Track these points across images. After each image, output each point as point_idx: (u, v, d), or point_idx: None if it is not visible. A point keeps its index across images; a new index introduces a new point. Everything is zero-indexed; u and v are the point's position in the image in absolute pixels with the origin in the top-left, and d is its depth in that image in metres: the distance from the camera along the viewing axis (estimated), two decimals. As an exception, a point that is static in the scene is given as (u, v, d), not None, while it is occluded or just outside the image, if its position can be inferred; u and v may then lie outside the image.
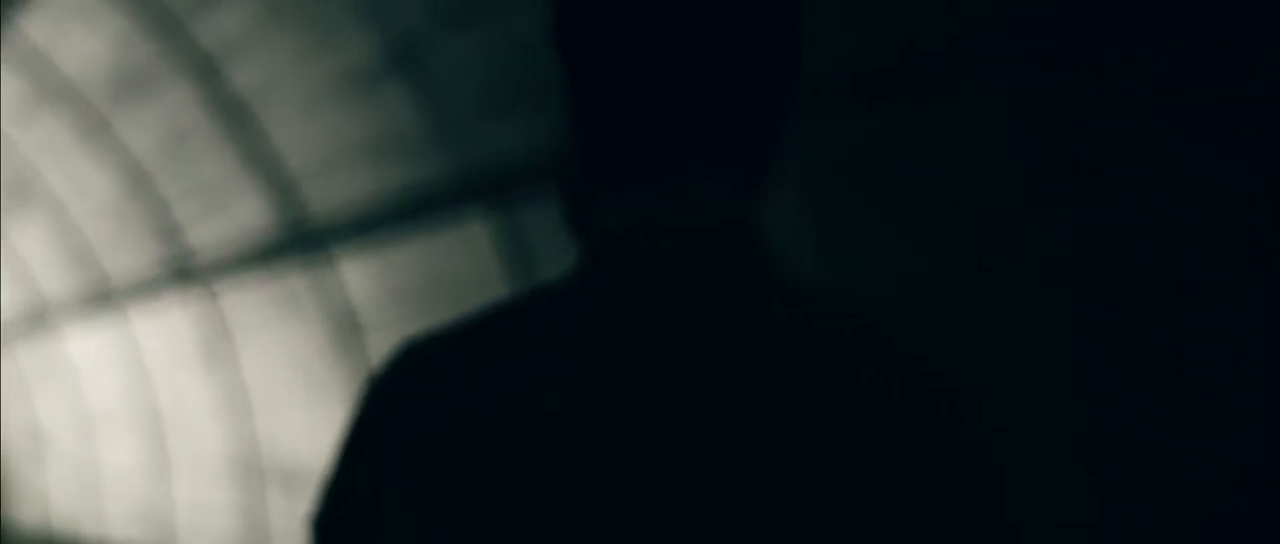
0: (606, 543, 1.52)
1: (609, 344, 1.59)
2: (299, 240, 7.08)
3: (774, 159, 1.66)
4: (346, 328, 6.79)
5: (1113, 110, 3.51)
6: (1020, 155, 3.69)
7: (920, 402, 1.59)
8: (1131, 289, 3.63)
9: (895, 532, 1.54)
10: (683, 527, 1.52)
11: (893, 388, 1.58)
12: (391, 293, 6.48)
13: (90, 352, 10.31)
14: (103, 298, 9.74)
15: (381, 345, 6.62)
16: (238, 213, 7.59)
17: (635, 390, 1.55)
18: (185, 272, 8.43)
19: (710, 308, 1.61)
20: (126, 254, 9.09)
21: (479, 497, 1.55)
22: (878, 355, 1.60)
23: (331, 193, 6.70)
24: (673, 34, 1.61)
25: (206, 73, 7.01)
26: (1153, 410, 3.81)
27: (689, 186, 1.63)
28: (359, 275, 6.66)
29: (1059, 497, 3.86)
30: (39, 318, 11.03)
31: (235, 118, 7.11)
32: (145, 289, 9.06)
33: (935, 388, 1.60)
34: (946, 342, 4.00)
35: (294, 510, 7.56)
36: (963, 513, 1.57)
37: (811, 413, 1.56)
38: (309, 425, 7.33)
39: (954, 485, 1.57)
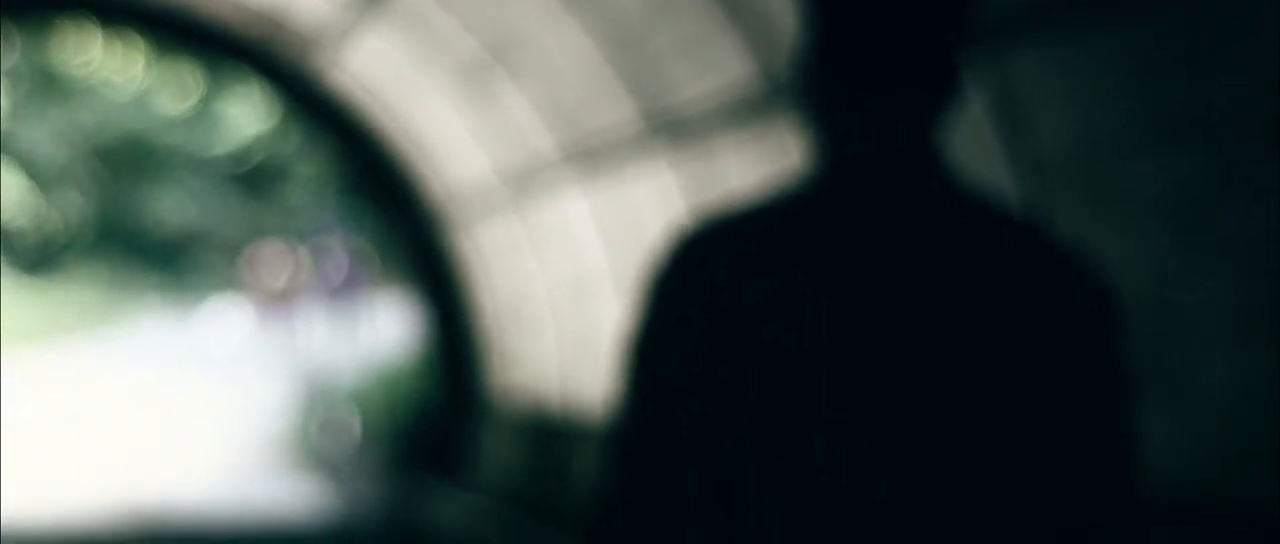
0: (861, 398, 2.14)
1: (852, 240, 2.18)
2: (788, 93, 7.30)
3: (957, 91, 2.25)
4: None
5: None
6: None
7: (1089, 299, 2.19)
8: None
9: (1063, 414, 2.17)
10: (916, 390, 2.15)
11: (1077, 293, 2.18)
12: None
13: (580, 214, 10.68)
14: (591, 158, 10.11)
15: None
16: (723, 68, 7.86)
17: (878, 274, 2.16)
18: (674, 129, 8.76)
19: (923, 216, 2.19)
20: (614, 114, 9.44)
21: (764, 348, 2.15)
22: (1059, 262, 2.19)
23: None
24: None
25: (690, -72, 7.25)
26: None
27: (903, 110, 2.21)
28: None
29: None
30: (528, 181, 11.41)
31: (719, -28, 7.36)
32: (634, 148, 9.39)
33: (1100, 284, 2.20)
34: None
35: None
36: (1109, 397, 2.20)
37: (1006, 309, 2.16)
38: (799, 283, 7.52)
39: (1105, 370, 2.19)
